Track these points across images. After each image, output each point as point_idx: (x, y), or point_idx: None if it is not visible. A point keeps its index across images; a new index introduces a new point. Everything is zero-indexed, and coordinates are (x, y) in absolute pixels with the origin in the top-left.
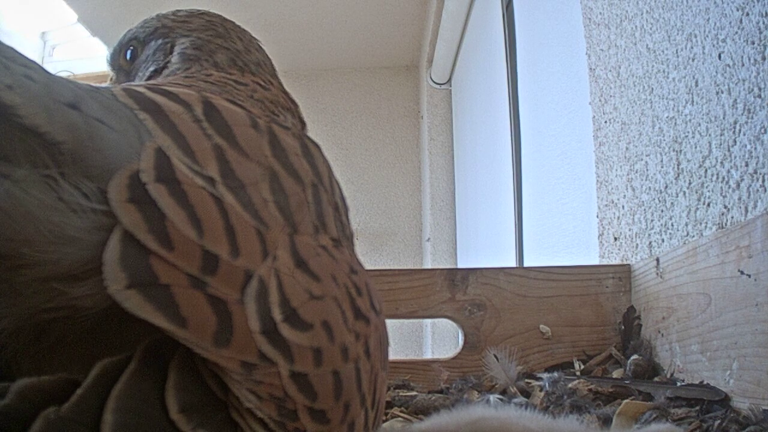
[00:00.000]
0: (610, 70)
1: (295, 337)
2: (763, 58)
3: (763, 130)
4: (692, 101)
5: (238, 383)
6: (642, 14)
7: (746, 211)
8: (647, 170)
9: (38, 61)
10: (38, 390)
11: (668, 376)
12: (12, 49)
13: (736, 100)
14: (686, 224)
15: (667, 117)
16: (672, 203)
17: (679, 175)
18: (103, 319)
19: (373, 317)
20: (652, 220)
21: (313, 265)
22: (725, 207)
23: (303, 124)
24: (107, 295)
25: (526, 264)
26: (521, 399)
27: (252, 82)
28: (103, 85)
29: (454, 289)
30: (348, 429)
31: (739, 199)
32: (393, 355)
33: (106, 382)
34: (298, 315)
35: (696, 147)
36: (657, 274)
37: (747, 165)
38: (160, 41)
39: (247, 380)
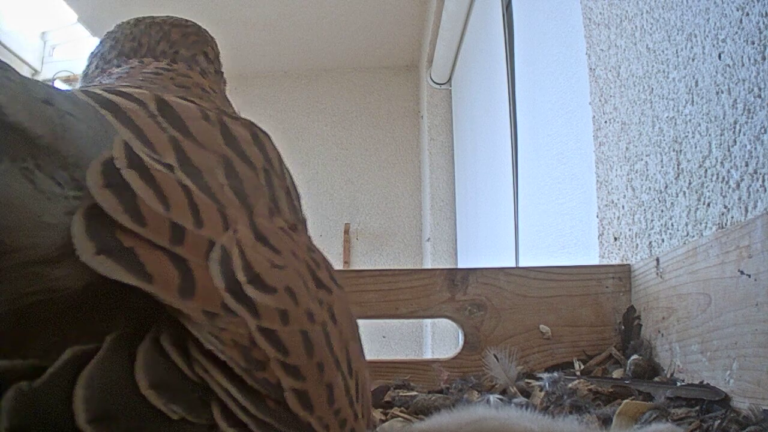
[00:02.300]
0: (610, 70)
1: (260, 297)
2: (763, 58)
3: (763, 130)
4: (692, 101)
5: (199, 326)
6: (642, 14)
7: (746, 211)
8: (647, 170)
9: (38, 61)
10: (10, 370)
11: (668, 376)
12: None
13: (736, 100)
14: (686, 224)
15: (667, 117)
16: (672, 203)
17: (679, 175)
18: (79, 306)
19: (335, 289)
20: (652, 220)
21: (273, 240)
22: (725, 207)
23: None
24: (81, 275)
25: (521, 264)
26: (521, 399)
27: (156, 68)
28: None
29: (454, 289)
30: (327, 390)
31: (739, 199)
32: (393, 355)
33: (77, 364)
34: (261, 279)
35: (696, 147)
36: (657, 274)
37: (747, 165)
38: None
39: (209, 326)
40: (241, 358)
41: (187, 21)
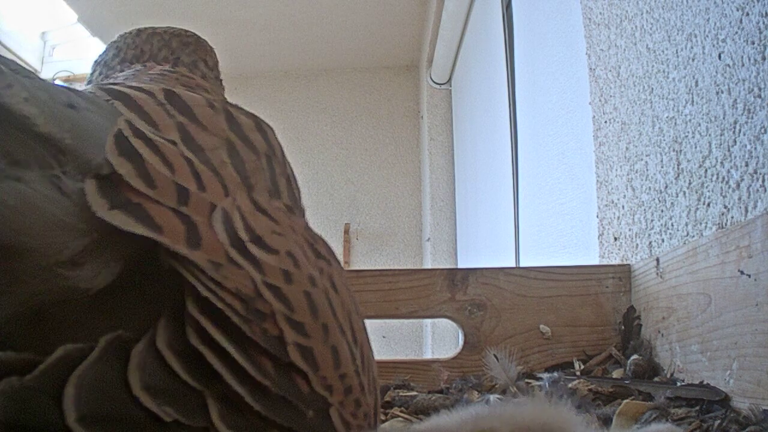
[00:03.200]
0: (610, 70)
1: (263, 256)
2: (763, 58)
3: (763, 130)
4: (692, 101)
5: (200, 274)
6: (642, 14)
7: (746, 211)
8: (647, 170)
9: (38, 61)
10: (2, 362)
11: (668, 376)
12: (13, 61)
13: (736, 100)
14: (686, 224)
15: (667, 117)
16: (672, 203)
17: (679, 175)
18: (95, 308)
19: (334, 262)
20: (652, 220)
21: (271, 213)
22: (725, 207)
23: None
24: (100, 276)
25: (522, 264)
26: (521, 399)
27: (161, 70)
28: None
29: (454, 289)
30: (332, 352)
31: (739, 199)
32: (393, 355)
33: (69, 362)
34: (263, 241)
35: (696, 147)
36: (657, 274)
37: (747, 165)
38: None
39: (213, 274)
40: (242, 307)
41: (186, 31)
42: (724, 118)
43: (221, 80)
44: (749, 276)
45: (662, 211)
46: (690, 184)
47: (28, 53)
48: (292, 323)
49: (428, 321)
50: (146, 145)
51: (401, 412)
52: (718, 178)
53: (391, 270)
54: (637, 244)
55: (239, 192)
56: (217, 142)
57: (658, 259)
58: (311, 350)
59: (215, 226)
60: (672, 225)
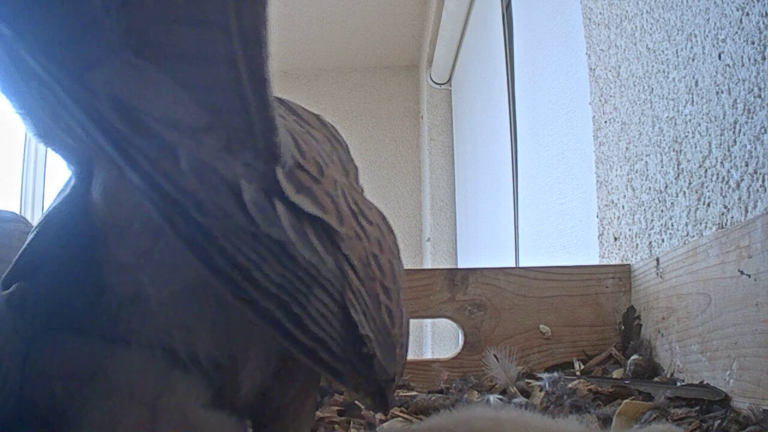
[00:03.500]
0: (610, 70)
1: (368, 227)
2: (763, 58)
3: (763, 130)
4: (692, 101)
5: (343, 243)
6: (642, 14)
7: (746, 211)
8: (647, 170)
9: None
10: (247, 172)
11: (668, 376)
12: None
13: (736, 100)
14: (686, 224)
15: (667, 117)
16: (672, 203)
17: (679, 175)
18: None
19: (393, 233)
20: (652, 220)
21: (358, 190)
22: (725, 207)
23: None
24: None
25: (522, 264)
26: (521, 399)
27: None
28: None
29: (454, 289)
30: (399, 314)
31: (739, 199)
32: None
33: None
34: (364, 213)
35: (696, 147)
36: (657, 274)
37: (747, 165)
38: None
39: (348, 243)
40: (360, 265)
41: None
42: (724, 118)
43: None
44: (749, 276)
45: (662, 211)
46: (690, 184)
47: None
48: (383, 288)
49: (428, 321)
50: (292, 135)
51: (401, 412)
52: (718, 178)
53: None
54: (637, 244)
55: (339, 173)
56: (323, 137)
57: (658, 259)
58: (392, 311)
59: (340, 200)
60: (672, 225)
